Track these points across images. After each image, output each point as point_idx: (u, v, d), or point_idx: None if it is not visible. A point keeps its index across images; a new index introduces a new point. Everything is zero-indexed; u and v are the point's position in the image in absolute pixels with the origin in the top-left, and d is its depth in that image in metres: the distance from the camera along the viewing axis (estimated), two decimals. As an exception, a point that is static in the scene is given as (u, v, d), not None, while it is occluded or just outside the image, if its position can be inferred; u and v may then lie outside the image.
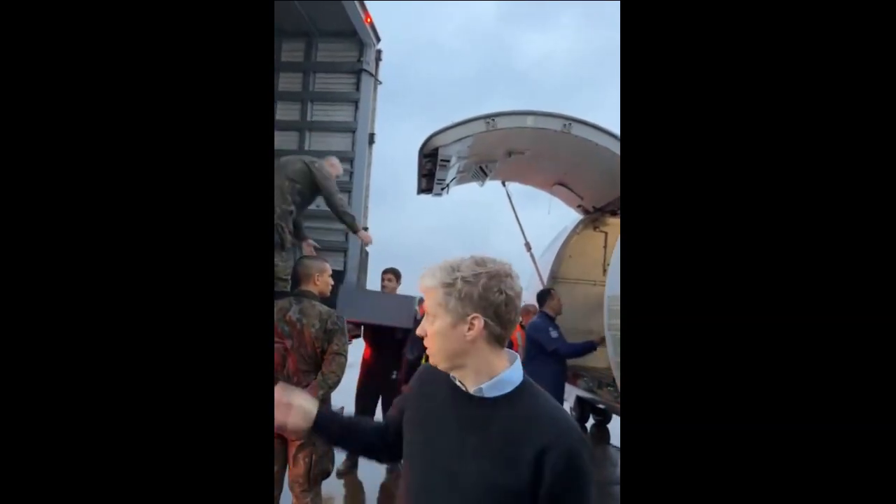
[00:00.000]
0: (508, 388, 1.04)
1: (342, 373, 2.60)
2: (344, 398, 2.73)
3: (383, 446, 1.25)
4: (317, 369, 2.58)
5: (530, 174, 5.69)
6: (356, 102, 4.42)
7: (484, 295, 1.00)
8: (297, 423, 1.20)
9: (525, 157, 4.81)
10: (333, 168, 3.66)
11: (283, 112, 4.54)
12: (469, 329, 1.01)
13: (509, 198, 5.83)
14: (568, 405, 6.04)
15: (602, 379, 4.96)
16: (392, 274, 4.48)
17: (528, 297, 4.38)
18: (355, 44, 4.41)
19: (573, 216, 6.41)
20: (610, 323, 4.12)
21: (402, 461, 1.15)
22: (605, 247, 6.12)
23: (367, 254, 4.31)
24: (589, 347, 4.36)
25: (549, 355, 4.14)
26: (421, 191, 4.95)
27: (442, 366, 1.07)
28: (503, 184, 5.76)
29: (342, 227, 3.99)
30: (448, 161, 4.36)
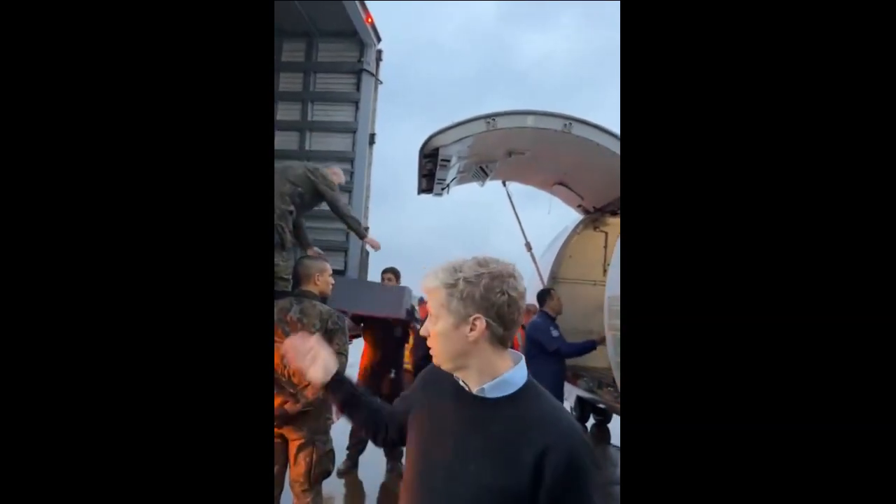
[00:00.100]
0: (511, 389, 1.04)
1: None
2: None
3: (383, 429, 1.27)
4: (317, 369, 2.58)
5: (531, 174, 5.69)
6: (357, 103, 4.42)
7: (486, 295, 1.00)
8: (317, 375, 1.26)
9: (525, 157, 4.80)
10: (336, 176, 3.68)
11: (284, 112, 4.54)
12: (471, 330, 1.01)
13: (510, 198, 5.83)
14: (568, 405, 6.04)
15: (602, 379, 4.95)
16: (392, 273, 4.48)
17: (529, 298, 4.36)
18: (356, 44, 4.41)
19: (573, 216, 6.41)
20: (610, 323, 4.12)
21: (402, 460, 1.16)
22: (605, 247, 6.11)
23: (367, 253, 4.31)
24: (589, 347, 4.37)
25: (550, 355, 4.14)
26: (421, 191, 4.95)
27: (445, 366, 1.08)
28: (503, 184, 5.76)
29: (342, 226, 3.99)
30: (448, 161, 4.36)
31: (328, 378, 1.27)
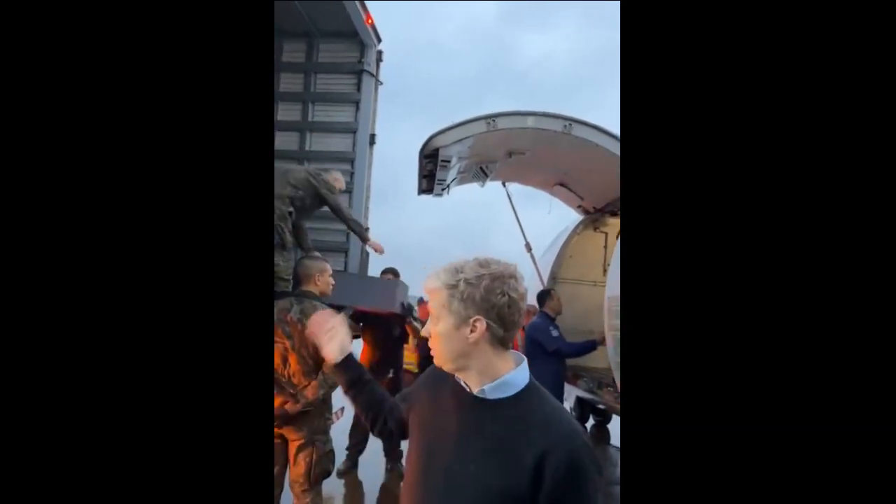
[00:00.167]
0: (512, 391, 1.04)
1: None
2: (344, 398, 2.74)
3: (383, 418, 1.29)
4: (317, 369, 2.59)
5: (531, 174, 5.69)
6: (357, 103, 4.41)
7: (486, 297, 1.00)
8: (333, 350, 1.32)
9: (525, 158, 4.80)
10: (337, 182, 3.70)
11: (285, 112, 4.54)
12: (471, 331, 1.01)
13: (510, 198, 5.83)
14: (568, 405, 6.04)
15: (602, 379, 4.95)
16: (391, 274, 4.48)
17: (529, 298, 4.37)
18: (356, 44, 4.41)
19: (573, 217, 6.41)
20: (610, 323, 4.12)
21: (402, 461, 1.16)
22: (605, 247, 6.11)
23: (367, 254, 4.30)
24: (590, 346, 4.36)
25: (550, 355, 4.14)
26: (422, 191, 4.95)
27: (446, 367, 1.08)
28: (503, 184, 5.76)
29: (342, 227, 4.00)
30: (449, 161, 4.36)
31: (341, 357, 1.32)
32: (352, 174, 4.35)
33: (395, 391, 1.39)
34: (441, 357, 1.06)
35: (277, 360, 2.59)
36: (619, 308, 3.87)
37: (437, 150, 4.16)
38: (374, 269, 4.48)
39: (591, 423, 6.73)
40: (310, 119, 4.52)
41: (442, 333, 1.04)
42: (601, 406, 5.80)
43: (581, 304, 5.66)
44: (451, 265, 1.05)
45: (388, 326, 4.50)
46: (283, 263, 3.32)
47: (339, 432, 3.63)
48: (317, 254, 3.76)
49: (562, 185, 5.73)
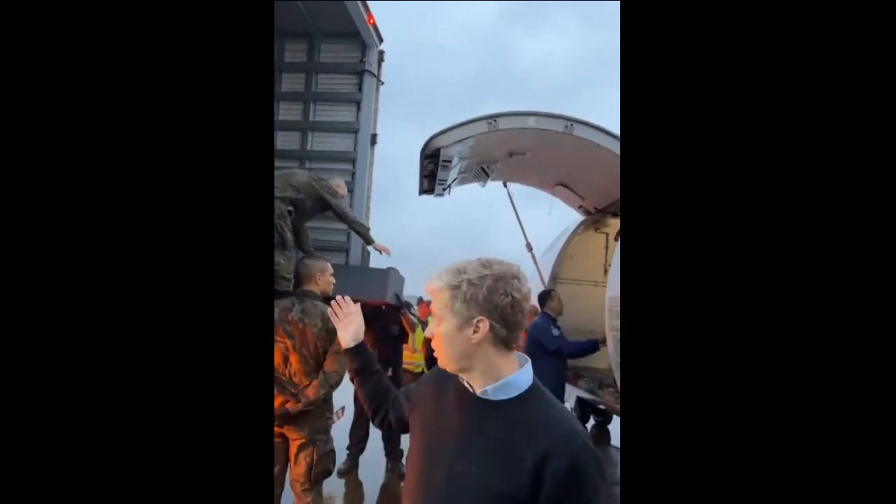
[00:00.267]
0: (515, 392, 1.03)
1: (344, 372, 2.61)
2: (345, 398, 2.74)
3: (384, 410, 1.32)
4: (318, 368, 2.59)
5: (532, 175, 5.69)
6: (358, 103, 4.42)
7: (489, 297, 1.00)
8: (347, 336, 1.40)
9: (526, 158, 4.80)
10: (340, 188, 3.72)
11: (286, 112, 4.55)
12: (474, 332, 1.01)
13: (510, 198, 5.83)
14: (569, 405, 6.04)
15: (603, 380, 4.95)
16: None
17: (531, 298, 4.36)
18: (358, 44, 4.42)
19: (574, 217, 6.40)
20: (611, 324, 4.11)
21: (402, 460, 1.17)
22: (606, 248, 6.11)
23: (368, 254, 4.31)
24: (592, 346, 4.34)
25: (551, 355, 4.14)
26: (423, 191, 4.95)
27: (449, 368, 1.08)
28: (504, 184, 5.76)
29: (343, 227, 4.00)
30: (450, 162, 4.35)
31: (353, 344, 1.39)
32: (353, 174, 4.35)
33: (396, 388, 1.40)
34: (444, 358, 1.06)
35: (278, 360, 2.59)
36: (619, 308, 3.87)
37: (438, 150, 4.15)
38: (375, 269, 4.48)
39: (591, 423, 6.73)
40: (311, 119, 4.53)
41: (445, 334, 1.04)
42: (602, 406, 5.80)
43: (582, 305, 5.66)
44: (454, 266, 1.05)
45: (386, 325, 4.50)
46: (284, 262, 3.32)
47: (340, 432, 3.63)
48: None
49: (563, 185, 5.72)
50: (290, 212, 3.40)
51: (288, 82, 4.56)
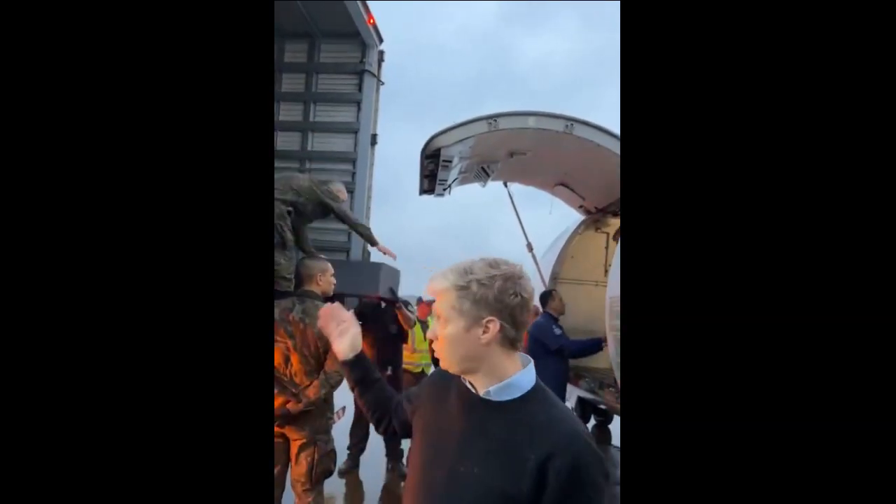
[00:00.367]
0: (518, 393, 1.03)
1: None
2: (346, 398, 2.75)
3: (388, 417, 1.28)
4: (319, 368, 2.59)
5: (532, 175, 5.69)
6: (358, 103, 4.43)
7: (499, 297, 1.00)
8: (343, 347, 1.30)
9: (527, 158, 4.80)
10: (340, 193, 3.72)
11: (286, 113, 4.55)
12: (484, 332, 1.00)
13: (511, 198, 5.83)
14: (569, 405, 6.04)
15: (604, 380, 4.95)
16: None
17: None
18: (358, 45, 4.42)
19: (575, 217, 6.40)
20: (611, 324, 4.11)
21: (403, 460, 1.16)
22: (606, 248, 6.11)
23: (368, 254, 4.31)
24: (594, 346, 4.34)
25: (553, 355, 4.14)
26: (423, 191, 4.95)
27: (453, 370, 1.07)
28: (505, 184, 5.76)
29: (343, 227, 4.00)
30: (450, 162, 4.36)
31: (351, 354, 1.30)
32: (353, 174, 4.36)
33: (395, 390, 1.39)
34: (448, 360, 1.05)
35: (279, 360, 2.60)
36: (619, 308, 3.86)
37: (438, 150, 4.16)
38: (375, 270, 4.48)
39: (592, 423, 6.73)
40: (311, 119, 4.53)
41: (451, 335, 1.02)
42: (602, 406, 5.80)
43: (582, 305, 5.66)
44: (459, 266, 1.04)
45: (385, 325, 4.50)
46: (285, 262, 3.33)
47: (341, 432, 3.64)
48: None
49: (563, 185, 5.73)
50: (289, 212, 3.41)
51: (288, 83, 4.57)
